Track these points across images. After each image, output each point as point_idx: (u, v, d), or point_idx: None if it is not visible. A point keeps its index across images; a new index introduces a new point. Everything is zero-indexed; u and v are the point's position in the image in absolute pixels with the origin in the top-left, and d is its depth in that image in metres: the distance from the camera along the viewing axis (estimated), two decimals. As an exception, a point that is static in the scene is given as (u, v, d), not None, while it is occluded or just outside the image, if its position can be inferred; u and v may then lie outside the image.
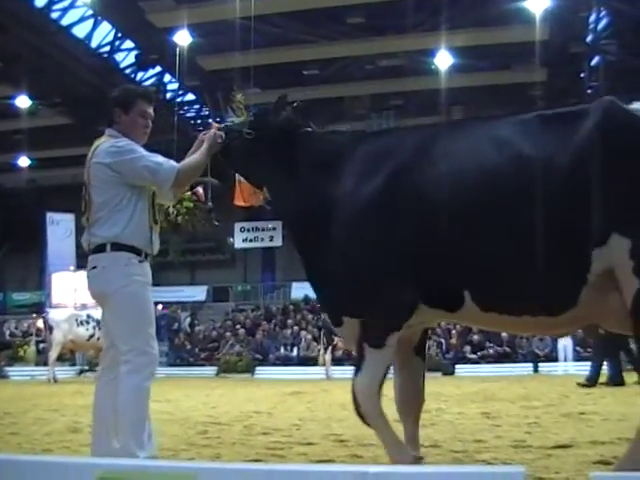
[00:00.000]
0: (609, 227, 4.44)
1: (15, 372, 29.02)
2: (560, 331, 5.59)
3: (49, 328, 24.30)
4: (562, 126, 4.78)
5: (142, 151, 5.78)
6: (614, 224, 4.44)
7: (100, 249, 5.63)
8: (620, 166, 4.51)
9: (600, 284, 4.53)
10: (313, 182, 5.61)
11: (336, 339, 25.71)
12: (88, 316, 24.77)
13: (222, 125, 6.36)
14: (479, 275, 4.84)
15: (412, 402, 5.65)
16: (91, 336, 24.27)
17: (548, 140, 4.76)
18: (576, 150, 4.62)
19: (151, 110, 6.13)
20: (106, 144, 5.78)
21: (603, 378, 16.49)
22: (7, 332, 34.45)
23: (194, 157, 5.98)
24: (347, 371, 29.21)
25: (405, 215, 5.00)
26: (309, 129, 5.94)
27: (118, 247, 5.61)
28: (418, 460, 5.39)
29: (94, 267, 5.66)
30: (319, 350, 28.74)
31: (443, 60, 31.22)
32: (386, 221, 5.06)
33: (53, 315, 25.04)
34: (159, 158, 5.77)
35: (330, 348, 26.70)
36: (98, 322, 24.60)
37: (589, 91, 34.51)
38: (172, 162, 5.79)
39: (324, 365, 26.99)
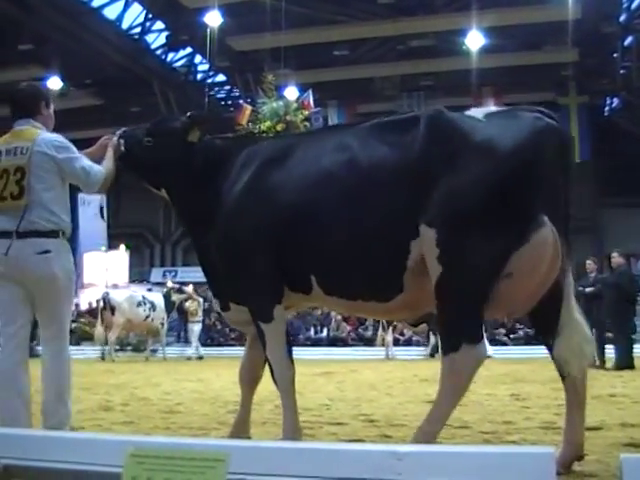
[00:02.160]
0: (421, 221, 4.91)
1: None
2: (396, 316, 6.56)
3: (110, 309, 24.47)
4: (391, 132, 5.34)
5: (76, 151, 6.21)
6: (425, 218, 4.90)
7: (49, 234, 5.93)
8: (433, 169, 4.96)
9: (420, 271, 5.00)
10: (200, 184, 6.17)
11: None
12: (143, 297, 25.25)
13: (122, 131, 6.66)
14: (321, 263, 5.44)
15: (252, 375, 6.50)
16: (147, 317, 24.62)
17: (377, 146, 5.31)
18: (397, 154, 5.16)
19: None
20: (47, 136, 6.12)
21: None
22: (38, 312, 34.73)
23: (108, 164, 6.36)
24: (378, 352, 29.36)
25: (266, 213, 5.60)
26: (201, 136, 6.38)
27: (64, 235, 6.06)
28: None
29: (47, 251, 5.90)
30: (377, 331, 28.69)
31: (474, 40, 30.94)
32: (252, 218, 5.66)
33: (114, 296, 25.21)
34: (88, 161, 6.20)
35: (390, 329, 26.80)
36: (152, 303, 24.98)
37: (622, 71, 34.24)
38: (96, 166, 6.19)
39: (383, 346, 27.14)
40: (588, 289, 17.34)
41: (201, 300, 28.00)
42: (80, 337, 30.25)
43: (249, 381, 6.50)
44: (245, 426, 6.42)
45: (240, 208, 5.75)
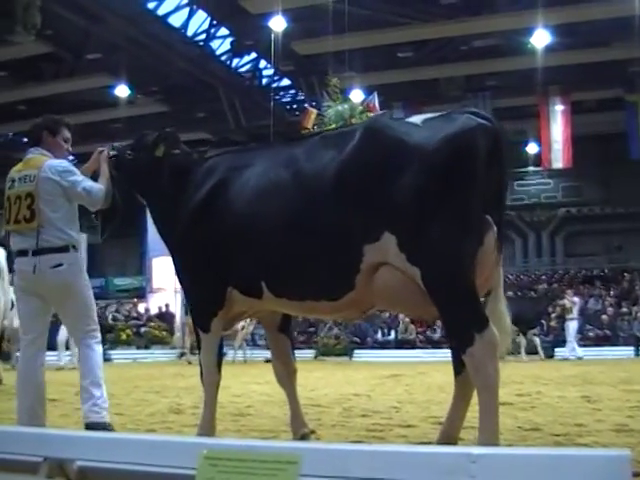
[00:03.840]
0: (381, 227, 5.17)
1: (117, 355, 29.66)
2: (343, 314, 6.32)
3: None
4: (337, 143, 5.63)
5: (79, 173, 6.90)
6: (385, 224, 5.16)
7: (61, 249, 6.71)
8: (384, 176, 5.20)
9: (370, 272, 5.31)
10: (166, 194, 6.67)
11: None
12: None
13: (112, 146, 7.30)
14: (270, 269, 5.82)
15: (285, 372, 6.81)
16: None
17: (324, 156, 5.60)
18: (350, 163, 5.39)
19: (70, 136, 7.29)
20: (51, 162, 6.85)
21: None
22: (109, 316, 35.20)
23: (105, 181, 6.94)
24: (446, 354, 29.18)
25: (217, 224, 6.04)
26: (174, 151, 6.88)
27: (75, 248, 6.83)
28: (308, 435, 6.62)
29: (59, 264, 6.66)
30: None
31: (539, 38, 30.59)
32: (202, 231, 6.12)
33: None
34: (89, 181, 6.85)
35: None
36: None
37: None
38: (95, 185, 6.84)
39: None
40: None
41: None
42: (150, 340, 30.61)
43: (288, 377, 6.87)
44: (301, 420, 6.75)
45: (191, 221, 6.24)
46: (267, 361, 26.49)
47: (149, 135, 7.03)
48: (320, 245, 5.47)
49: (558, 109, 35.42)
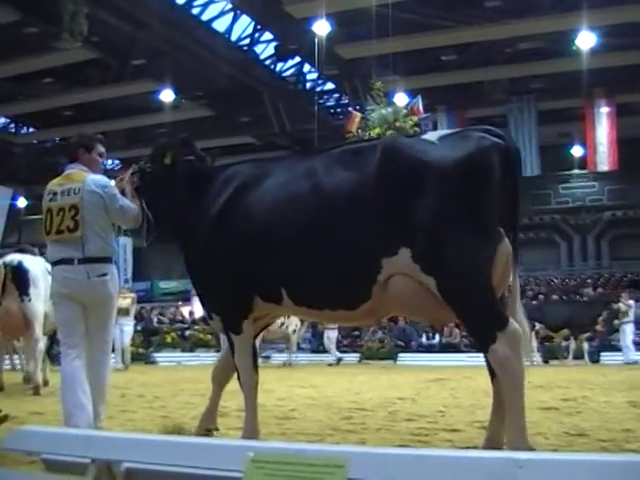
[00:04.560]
0: (399, 242, 5.42)
1: (162, 357, 29.82)
2: (359, 322, 6.95)
3: None
4: (358, 158, 5.85)
5: (117, 190, 7.22)
6: (402, 238, 5.41)
7: (105, 260, 7.09)
8: (401, 193, 5.45)
9: (385, 283, 5.55)
10: (186, 204, 6.82)
11: (537, 325, 25.80)
12: None
13: (135, 166, 7.43)
14: (290, 278, 6.02)
15: (226, 373, 7.10)
16: (282, 324, 24.94)
17: (343, 171, 5.82)
18: (369, 180, 5.62)
19: (104, 150, 7.62)
20: (93, 176, 7.20)
21: None
22: (154, 319, 35.42)
23: (135, 204, 7.19)
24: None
25: (239, 234, 6.21)
26: (186, 157, 7.10)
27: (113, 260, 7.23)
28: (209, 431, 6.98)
29: (104, 274, 7.02)
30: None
31: (584, 40, 30.30)
32: (227, 239, 6.28)
33: None
34: (126, 200, 7.14)
35: (533, 334, 26.62)
36: None
37: None
38: (131, 205, 7.13)
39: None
40: None
41: None
42: (195, 343, 30.75)
43: (220, 380, 7.23)
44: (212, 417, 7.24)
45: (216, 228, 6.39)
46: (330, 365, 26.64)
47: (160, 144, 7.40)
48: (339, 257, 5.71)
49: (603, 111, 35.14)
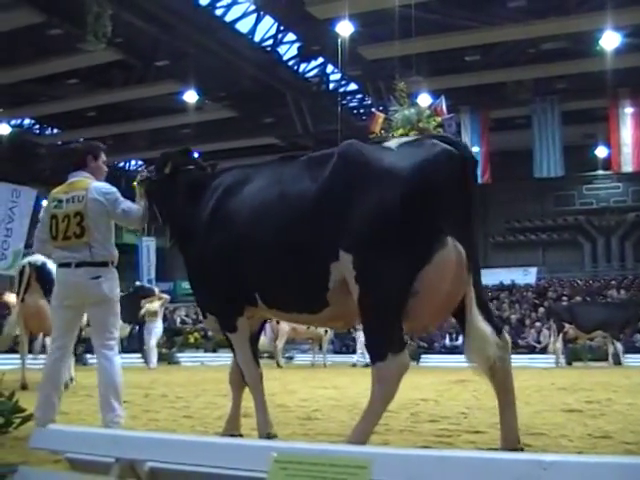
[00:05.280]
0: (339, 246, 5.52)
1: (185, 358, 29.92)
2: (329, 325, 7.76)
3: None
4: (315, 166, 6.04)
5: (119, 195, 7.50)
6: (342, 244, 5.51)
7: (104, 264, 7.34)
8: (345, 197, 5.58)
9: (343, 289, 5.61)
10: (183, 210, 7.18)
11: (567, 326, 25.71)
12: None
13: (142, 174, 7.90)
14: (261, 283, 6.31)
15: (240, 381, 7.15)
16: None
17: (303, 179, 6.01)
18: (321, 185, 5.80)
19: (106, 158, 7.92)
20: (96, 184, 7.47)
21: None
22: (178, 320, 35.52)
23: (142, 202, 7.64)
24: (514, 360, 28.91)
25: (222, 239, 6.48)
26: (186, 167, 7.50)
27: (113, 264, 7.47)
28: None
29: (99, 276, 7.26)
30: (550, 338, 28.39)
31: (609, 40, 30.13)
32: (214, 242, 6.56)
33: None
34: (128, 203, 7.49)
35: (561, 335, 26.53)
36: None
37: None
38: (134, 206, 7.53)
39: (554, 353, 26.92)
40: None
41: None
42: (217, 344, 30.83)
43: (238, 382, 7.24)
44: (236, 422, 7.25)
45: (203, 233, 6.70)
46: (353, 365, 26.64)
47: (162, 154, 7.73)
48: (297, 262, 5.89)
49: (628, 112, 34.93)
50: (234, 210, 6.47)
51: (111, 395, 7.11)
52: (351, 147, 5.89)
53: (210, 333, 31.33)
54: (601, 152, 42.41)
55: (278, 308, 6.40)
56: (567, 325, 25.88)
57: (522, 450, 5.74)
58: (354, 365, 26.46)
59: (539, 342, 30.61)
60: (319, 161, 6.06)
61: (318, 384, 15.72)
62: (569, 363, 26.52)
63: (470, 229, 5.71)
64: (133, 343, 26.12)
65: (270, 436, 6.74)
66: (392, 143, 5.86)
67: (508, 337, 6.04)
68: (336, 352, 31.37)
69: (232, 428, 7.15)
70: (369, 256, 5.40)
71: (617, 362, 25.64)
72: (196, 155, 7.89)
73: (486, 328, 5.56)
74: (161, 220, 7.57)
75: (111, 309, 7.41)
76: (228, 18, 33.16)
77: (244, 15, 33.37)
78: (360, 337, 27.81)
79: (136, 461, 3.77)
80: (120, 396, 7.21)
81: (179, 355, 30.11)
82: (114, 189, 7.54)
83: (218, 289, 6.66)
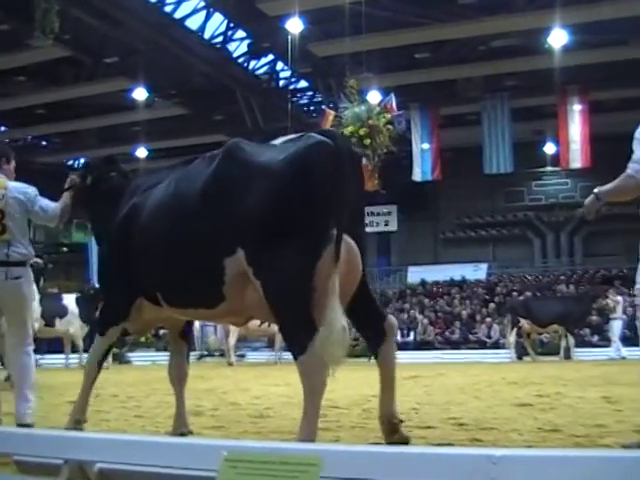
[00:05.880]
0: (235, 242, 5.73)
1: (136, 357, 29.78)
2: (225, 320, 7.63)
3: None
4: (207, 164, 6.24)
5: (37, 193, 7.90)
6: (238, 240, 5.72)
7: (22, 264, 7.63)
8: (235, 194, 5.78)
9: (238, 284, 5.82)
10: (102, 214, 7.40)
11: (522, 321, 25.89)
12: None
13: (70, 179, 8.11)
14: (160, 282, 6.52)
15: (178, 374, 7.38)
16: (261, 322, 25.01)
17: (194, 179, 6.20)
18: (208, 183, 6.01)
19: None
20: (15, 184, 7.86)
21: None
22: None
23: (63, 201, 7.90)
24: (465, 355, 29.12)
25: (125, 241, 6.69)
26: (109, 175, 7.76)
27: (28, 264, 7.76)
28: (185, 434, 7.04)
29: (19, 277, 7.58)
30: (506, 332, 28.52)
31: (557, 38, 30.38)
32: (115, 248, 6.87)
33: None
34: (45, 201, 7.87)
35: (515, 330, 26.71)
36: None
37: None
38: (51, 204, 7.85)
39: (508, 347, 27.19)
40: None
41: None
42: (169, 343, 30.78)
43: (177, 379, 7.42)
44: (184, 420, 7.33)
45: (110, 238, 7.03)
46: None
47: (85, 163, 8.22)
48: (192, 259, 6.11)
49: (576, 109, 35.24)
50: (136, 213, 6.68)
51: (28, 388, 7.45)
52: (235, 145, 6.11)
53: (162, 332, 31.26)
54: (550, 149, 42.72)
55: (178, 305, 6.55)
56: (522, 320, 26.15)
57: (401, 422, 6.35)
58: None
59: (490, 337, 30.88)
60: (209, 161, 6.27)
61: (270, 382, 15.72)
62: (519, 357, 26.79)
63: (356, 221, 5.96)
64: (89, 343, 25.91)
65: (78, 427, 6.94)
66: (277, 140, 6.09)
67: (394, 321, 6.35)
68: (286, 350, 31.42)
69: (181, 426, 7.19)
70: (260, 251, 5.60)
71: (567, 356, 25.94)
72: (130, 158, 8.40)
73: (339, 322, 5.59)
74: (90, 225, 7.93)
75: (29, 308, 7.81)
76: (178, 15, 32.93)
77: (194, 12, 33.14)
78: None
79: (85, 462, 3.74)
80: (34, 388, 7.63)
81: (130, 354, 29.94)
82: (33, 187, 7.92)
83: (119, 292, 6.90)
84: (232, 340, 25.94)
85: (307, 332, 5.37)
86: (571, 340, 26.16)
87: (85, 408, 7.07)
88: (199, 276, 6.08)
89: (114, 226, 6.91)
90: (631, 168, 6.20)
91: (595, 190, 6.58)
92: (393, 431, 6.22)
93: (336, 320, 5.51)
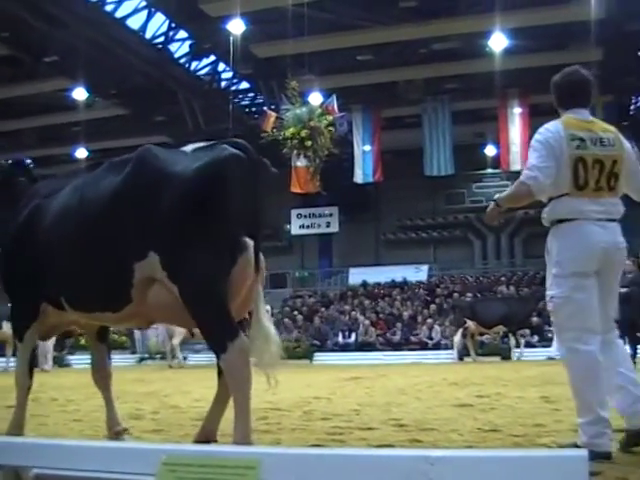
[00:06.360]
0: (147, 247, 5.69)
1: (76, 360, 29.47)
2: (128, 323, 7.75)
3: None
4: (117, 169, 6.16)
5: None
6: (151, 244, 5.68)
7: None
8: (147, 200, 5.72)
9: (144, 287, 5.83)
10: (5, 216, 7.18)
11: (468, 322, 26.04)
12: None
13: None
14: (65, 286, 6.40)
15: (103, 376, 7.49)
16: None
17: (104, 184, 6.12)
18: (119, 189, 5.93)
19: None
20: None
21: None
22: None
23: None
24: (406, 356, 29.26)
25: (31, 245, 6.59)
26: (17, 179, 7.67)
27: None
28: (122, 432, 7.12)
29: None
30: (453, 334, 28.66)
31: (497, 42, 30.71)
32: (22, 249, 6.69)
33: None
34: None
35: (461, 330, 26.86)
36: None
37: (647, 69, 33.92)
38: None
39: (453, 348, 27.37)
40: (622, 290, 17.26)
41: None
42: (109, 346, 30.54)
43: (101, 381, 7.51)
44: (116, 420, 7.27)
45: (13, 243, 6.86)
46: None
47: None
48: (99, 263, 6.04)
49: (516, 112, 35.63)
50: (41, 218, 6.59)
51: None
52: (147, 152, 6.07)
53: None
54: (490, 151, 43.15)
55: (83, 310, 6.47)
56: (469, 321, 26.39)
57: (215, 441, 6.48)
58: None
59: (431, 338, 31.08)
60: (118, 166, 6.20)
61: (212, 384, 15.58)
62: (461, 358, 27.01)
63: (259, 230, 6.03)
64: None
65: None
66: (188, 147, 6.07)
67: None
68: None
69: (114, 425, 7.17)
70: (175, 255, 5.62)
71: (506, 357, 26.23)
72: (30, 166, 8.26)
73: (272, 328, 5.96)
74: None
75: None
76: (119, 14, 32.67)
77: (135, 11, 32.90)
78: None
79: (21, 468, 3.69)
80: None
81: (70, 357, 29.62)
82: None
83: (24, 295, 6.80)
84: (176, 341, 25.79)
85: (227, 331, 5.48)
86: (521, 340, 26.50)
87: (23, 422, 6.94)
88: (106, 280, 6.07)
89: (14, 230, 6.88)
90: (523, 175, 6.31)
91: (495, 197, 6.63)
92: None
93: (269, 327, 5.83)
